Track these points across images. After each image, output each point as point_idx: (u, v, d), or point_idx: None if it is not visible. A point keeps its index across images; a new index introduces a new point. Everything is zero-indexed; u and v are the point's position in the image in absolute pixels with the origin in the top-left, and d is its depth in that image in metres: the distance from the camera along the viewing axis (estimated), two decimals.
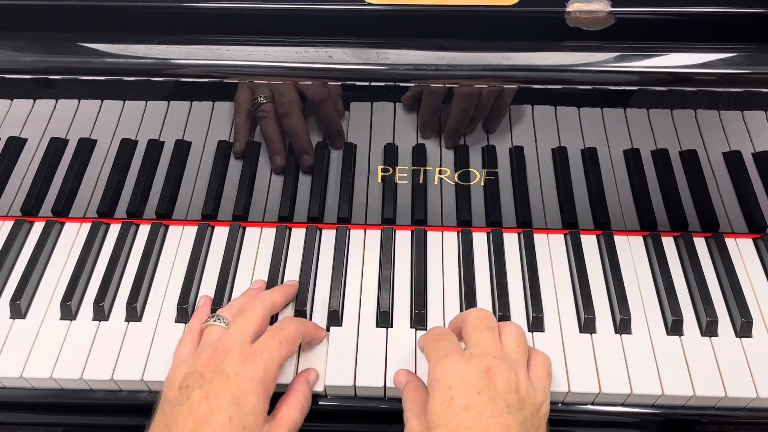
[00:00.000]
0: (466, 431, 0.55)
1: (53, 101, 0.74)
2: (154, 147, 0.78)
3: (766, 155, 0.76)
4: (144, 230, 0.83)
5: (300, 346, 0.71)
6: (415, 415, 0.62)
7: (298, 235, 0.82)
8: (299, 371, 0.69)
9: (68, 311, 0.74)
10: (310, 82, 0.70)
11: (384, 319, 0.74)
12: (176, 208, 0.83)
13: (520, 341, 0.64)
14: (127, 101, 0.73)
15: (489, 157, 0.77)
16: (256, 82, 0.70)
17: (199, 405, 0.58)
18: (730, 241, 0.81)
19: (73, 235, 0.82)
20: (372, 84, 0.70)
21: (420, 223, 0.82)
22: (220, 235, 0.82)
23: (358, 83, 0.70)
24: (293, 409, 0.65)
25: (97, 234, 0.82)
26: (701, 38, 0.69)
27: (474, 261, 0.79)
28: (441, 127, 0.75)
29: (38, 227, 0.83)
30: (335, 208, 0.82)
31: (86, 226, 0.83)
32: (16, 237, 0.81)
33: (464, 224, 0.82)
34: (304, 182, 0.80)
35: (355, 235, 0.82)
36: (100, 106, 0.74)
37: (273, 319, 0.73)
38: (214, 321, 0.67)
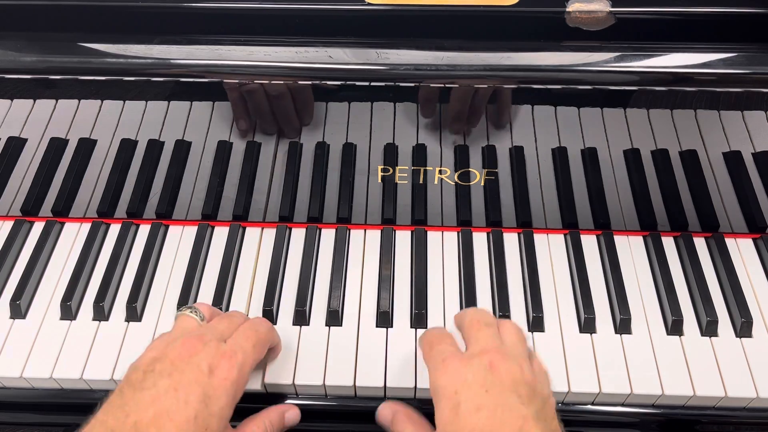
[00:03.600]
0: None
1: (53, 101, 0.74)
2: (154, 147, 0.78)
3: (766, 155, 0.76)
4: (144, 230, 0.83)
5: (300, 344, 0.71)
6: None
7: (298, 235, 0.82)
8: (295, 375, 0.69)
9: (68, 311, 0.74)
10: (309, 83, 0.70)
11: (384, 319, 0.74)
12: (176, 208, 0.83)
13: (520, 336, 0.63)
14: (127, 101, 0.73)
15: (489, 157, 0.77)
16: (256, 82, 0.70)
17: (165, 395, 0.55)
18: (730, 241, 0.81)
19: (73, 235, 0.82)
20: (372, 84, 0.70)
21: (420, 223, 0.82)
22: (220, 235, 0.82)
23: (358, 83, 0.70)
24: (258, 428, 0.63)
25: (97, 234, 0.82)
26: (701, 38, 0.69)
27: (474, 261, 0.79)
28: (441, 125, 0.75)
29: (38, 227, 0.83)
30: (335, 208, 0.82)
31: (86, 226, 0.83)
32: (16, 237, 0.81)
33: (464, 224, 0.82)
34: (304, 182, 0.80)
35: (355, 235, 0.82)
36: (100, 106, 0.74)
37: None
38: (190, 312, 0.64)
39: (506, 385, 0.56)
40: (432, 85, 0.69)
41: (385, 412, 0.66)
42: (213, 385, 0.57)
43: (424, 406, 0.69)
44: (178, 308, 0.64)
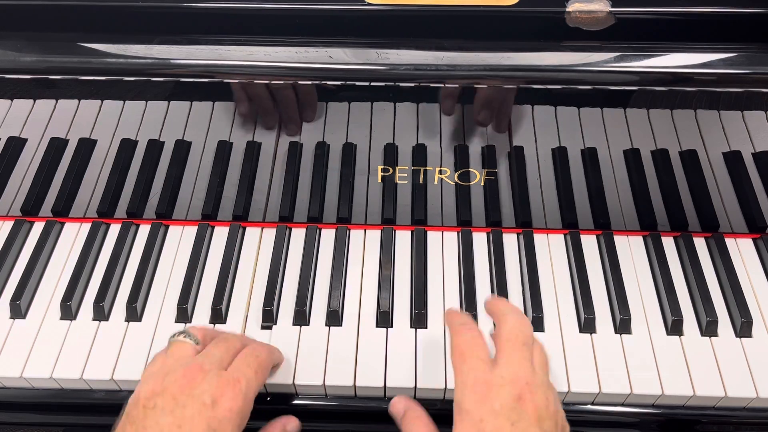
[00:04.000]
0: None
1: (53, 101, 0.74)
2: (154, 147, 0.78)
3: (766, 155, 0.76)
4: (144, 230, 0.83)
5: (300, 344, 0.71)
6: None
7: (298, 235, 0.82)
8: (295, 375, 0.69)
9: (68, 311, 0.74)
10: (309, 83, 0.70)
11: (384, 319, 0.74)
12: (176, 208, 0.83)
13: (545, 360, 0.62)
14: (127, 101, 0.73)
15: (489, 157, 0.77)
16: (256, 82, 0.70)
17: None
18: (730, 241, 0.81)
19: (73, 235, 0.82)
20: (372, 84, 0.70)
21: (420, 223, 0.82)
22: (220, 235, 0.82)
23: (358, 83, 0.70)
24: None
25: (97, 234, 0.82)
26: (701, 38, 0.69)
27: (474, 261, 0.79)
28: (442, 125, 0.75)
29: (38, 227, 0.83)
30: (335, 208, 0.82)
31: (86, 226, 0.83)
32: (16, 237, 0.81)
33: (464, 224, 0.82)
34: (304, 182, 0.80)
35: (355, 235, 0.82)
36: (100, 106, 0.74)
37: None
38: (184, 337, 0.62)
39: (532, 420, 0.55)
40: (432, 85, 0.69)
41: (398, 406, 0.65)
42: (217, 417, 0.55)
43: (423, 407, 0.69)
44: (171, 336, 0.63)
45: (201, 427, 0.54)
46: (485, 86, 0.69)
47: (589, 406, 0.70)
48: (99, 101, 0.73)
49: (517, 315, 0.63)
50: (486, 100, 0.71)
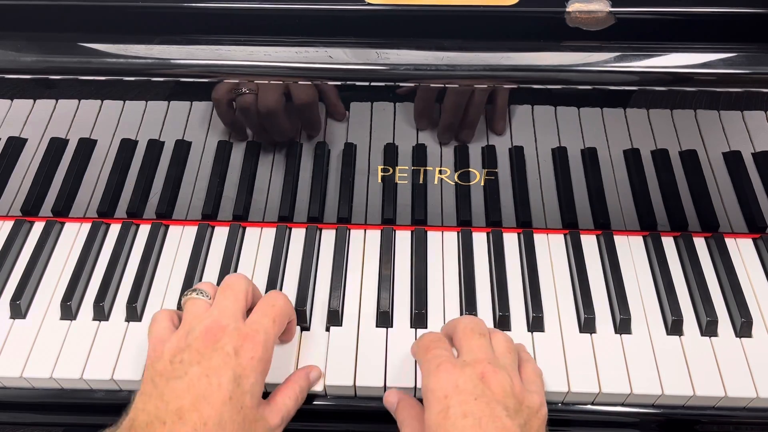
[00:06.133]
0: None
1: (53, 101, 0.74)
2: (154, 147, 0.78)
3: (766, 155, 0.76)
4: (144, 230, 0.83)
5: (300, 344, 0.71)
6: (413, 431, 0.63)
7: (298, 235, 0.82)
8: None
9: (68, 311, 0.74)
10: (309, 83, 0.70)
11: (384, 319, 0.74)
12: (176, 208, 0.83)
13: (509, 347, 0.65)
14: (127, 101, 0.73)
15: (489, 157, 0.77)
16: (256, 82, 0.70)
17: (198, 381, 0.57)
18: (730, 241, 0.81)
19: (73, 235, 0.82)
20: (372, 84, 0.70)
21: (420, 223, 0.82)
22: (220, 235, 0.82)
23: (358, 83, 0.70)
24: (288, 398, 0.65)
25: (97, 234, 0.82)
26: (701, 38, 0.69)
27: (474, 261, 0.79)
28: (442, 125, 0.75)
29: (38, 227, 0.83)
30: (335, 208, 0.82)
31: (86, 226, 0.83)
32: (16, 237, 0.81)
33: (464, 224, 0.82)
34: (304, 182, 0.80)
35: (355, 235, 0.82)
36: (100, 106, 0.74)
37: None
38: (196, 294, 0.65)
39: (495, 396, 0.58)
40: (432, 85, 0.69)
41: (391, 398, 0.67)
42: (241, 365, 0.59)
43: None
44: (182, 295, 0.65)
45: (227, 374, 0.58)
46: (485, 86, 0.69)
47: (589, 406, 0.70)
48: (99, 101, 0.73)
49: (467, 316, 0.69)
50: (456, 103, 0.71)
